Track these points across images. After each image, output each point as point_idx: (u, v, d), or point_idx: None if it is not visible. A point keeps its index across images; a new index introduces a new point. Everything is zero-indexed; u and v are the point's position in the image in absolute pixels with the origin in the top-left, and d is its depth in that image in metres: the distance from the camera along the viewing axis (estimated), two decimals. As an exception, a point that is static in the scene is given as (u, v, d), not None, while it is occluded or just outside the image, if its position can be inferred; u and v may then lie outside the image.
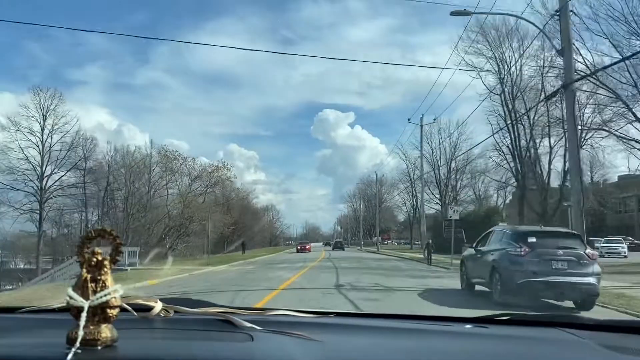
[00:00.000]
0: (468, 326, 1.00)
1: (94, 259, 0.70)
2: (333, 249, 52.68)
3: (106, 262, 0.70)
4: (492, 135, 26.12)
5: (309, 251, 41.55)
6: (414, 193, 48.40)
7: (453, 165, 42.31)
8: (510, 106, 26.60)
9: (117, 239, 0.71)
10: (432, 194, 43.36)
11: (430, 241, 21.66)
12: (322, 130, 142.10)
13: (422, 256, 23.95)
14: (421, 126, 28.67)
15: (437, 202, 43.85)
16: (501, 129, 25.97)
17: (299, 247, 44.39)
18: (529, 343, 0.87)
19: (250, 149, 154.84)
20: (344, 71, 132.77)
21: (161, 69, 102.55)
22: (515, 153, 27.01)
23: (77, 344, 0.66)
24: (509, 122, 25.94)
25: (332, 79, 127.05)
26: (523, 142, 26.58)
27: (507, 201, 44.74)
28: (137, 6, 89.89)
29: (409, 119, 29.12)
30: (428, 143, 41.51)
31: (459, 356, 0.77)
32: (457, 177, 43.62)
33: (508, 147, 27.50)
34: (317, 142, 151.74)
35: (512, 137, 26.85)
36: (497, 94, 26.46)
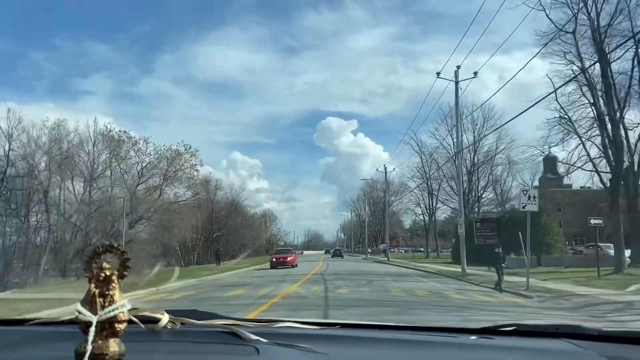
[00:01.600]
0: (473, 337, 1.04)
1: (102, 274, 0.74)
2: (332, 257, 58.61)
3: (114, 277, 0.75)
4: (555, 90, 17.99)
5: (293, 265, 27.63)
6: (430, 191, 45.14)
7: (476, 159, 39.48)
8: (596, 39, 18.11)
9: (125, 254, 0.75)
10: (453, 191, 40.22)
11: (502, 251, 13.32)
12: (325, 138, 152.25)
13: (453, 268, 20.39)
14: (456, 83, 20.46)
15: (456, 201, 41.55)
16: (584, 71, 18.20)
17: (274, 260, 28.56)
18: (533, 354, 0.91)
19: (254, 157, 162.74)
20: (347, 79, 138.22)
21: (165, 78, 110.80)
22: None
23: (86, 359, 0.70)
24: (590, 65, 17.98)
25: (335, 87, 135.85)
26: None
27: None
28: (141, 16, 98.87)
29: (438, 73, 21.54)
30: (448, 130, 38.27)
31: None
32: (489, 167, 39.29)
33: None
34: (320, 150, 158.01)
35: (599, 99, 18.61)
36: (569, 32, 18.58)
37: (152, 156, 31.64)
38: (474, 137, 38.19)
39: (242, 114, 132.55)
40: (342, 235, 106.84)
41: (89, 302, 0.74)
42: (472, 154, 39.97)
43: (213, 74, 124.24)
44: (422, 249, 63.69)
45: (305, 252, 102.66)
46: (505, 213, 29.68)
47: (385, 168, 42.58)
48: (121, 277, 0.75)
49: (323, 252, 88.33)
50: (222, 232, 56.16)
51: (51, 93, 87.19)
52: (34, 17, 75.32)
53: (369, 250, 65.55)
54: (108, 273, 0.75)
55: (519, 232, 13.84)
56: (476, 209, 39.09)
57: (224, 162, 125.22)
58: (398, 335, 1.08)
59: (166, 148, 32.25)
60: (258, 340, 0.89)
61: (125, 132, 30.50)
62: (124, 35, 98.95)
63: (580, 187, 39.62)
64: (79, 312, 0.73)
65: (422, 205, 48.14)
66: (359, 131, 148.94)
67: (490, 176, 40.84)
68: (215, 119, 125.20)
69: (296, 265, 28.00)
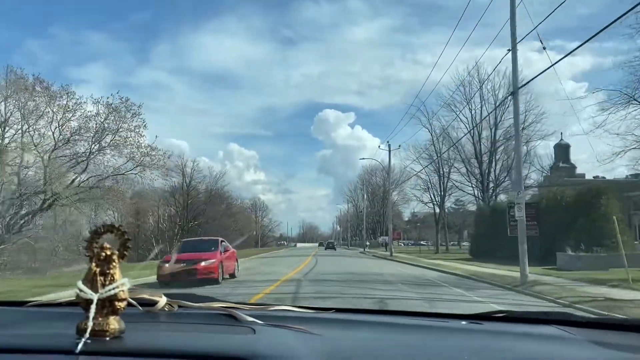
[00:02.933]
0: (463, 322, 1.17)
1: (103, 254, 0.85)
2: (326, 249, 63.95)
3: (114, 257, 0.85)
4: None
5: (205, 275, 13.25)
6: (442, 173, 41.52)
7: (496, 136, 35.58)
8: None
9: (125, 234, 0.86)
10: (469, 174, 37.89)
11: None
12: (322, 130, 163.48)
13: (495, 270, 16.29)
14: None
15: (473, 185, 38.26)
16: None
17: (164, 269, 13.34)
18: (522, 338, 1.04)
19: (251, 148, 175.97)
20: (345, 71, 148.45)
21: (162, 68, 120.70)
22: None
23: (87, 335, 0.81)
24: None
25: (333, 79, 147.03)
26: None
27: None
28: (138, 5, 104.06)
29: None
30: (464, 100, 35.83)
31: (454, 350, 0.93)
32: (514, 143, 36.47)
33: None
34: (317, 142, 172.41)
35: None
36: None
37: (77, 114, 24.49)
38: (495, 107, 34.65)
39: (239, 106, 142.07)
40: (338, 228, 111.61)
41: (90, 281, 0.85)
42: (492, 129, 36.35)
43: (210, 64, 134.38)
44: (423, 242, 63.67)
45: (299, 245, 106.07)
46: (542, 197, 24.38)
47: (389, 145, 38.07)
48: (121, 256, 0.86)
49: (317, 245, 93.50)
50: (200, 221, 56.03)
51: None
52: (29, 5, 79.05)
53: (367, 243, 64.32)
54: (109, 252, 0.85)
55: (614, 217, 11.83)
56: (494, 196, 36.28)
57: (220, 154, 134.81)
58: (391, 319, 1.21)
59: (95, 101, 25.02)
60: (254, 321, 1.01)
61: (42, 80, 23.77)
62: (120, 24, 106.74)
63: (594, 176, 38.10)
64: (80, 290, 0.84)
65: (431, 191, 44.23)
66: (356, 123, 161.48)
67: (512, 157, 36.36)
68: (212, 110, 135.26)
69: (234, 276, 15.32)
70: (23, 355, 0.83)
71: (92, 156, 25.37)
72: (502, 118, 35.64)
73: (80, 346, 0.79)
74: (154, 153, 26.43)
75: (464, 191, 40.76)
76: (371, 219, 75.16)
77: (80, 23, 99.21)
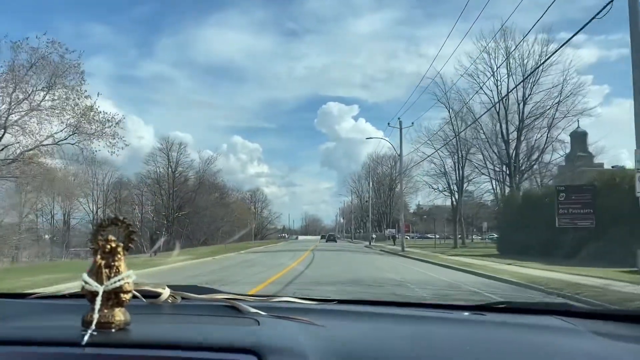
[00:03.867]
0: (466, 313, 1.25)
1: (108, 246, 0.92)
2: (327, 241, 68.59)
3: (119, 249, 0.92)
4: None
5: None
6: (460, 155, 38.88)
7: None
8: None
9: (130, 227, 0.93)
10: (490, 158, 35.75)
11: None
12: (325, 123, 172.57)
13: (554, 275, 12.25)
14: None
15: (497, 169, 35.84)
16: None
17: None
18: (524, 329, 1.13)
19: (254, 141, 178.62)
20: (348, 64, 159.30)
21: (165, 61, 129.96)
22: None
23: (93, 327, 0.88)
24: None
25: (336, 72, 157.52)
26: None
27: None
28: None
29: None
30: (489, 69, 32.99)
31: (456, 341, 1.01)
32: (548, 120, 31.95)
33: None
34: (320, 135, 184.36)
35: None
36: None
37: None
38: (524, 78, 31.80)
39: (243, 98, 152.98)
40: (342, 220, 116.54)
41: (95, 273, 0.92)
42: (520, 105, 33.55)
43: (213, 57, 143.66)
44: (431, 235, 63.32)
45: (300, 237, 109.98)
46: (594, 180, 20.84)
47: (400, 123, 34.84)
48: (126, 249, 0.93)
49: (319, 237, 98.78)
50: (187, 211, 55.14)
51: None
52: None
53: (374, 236, 62.34)
54: (114, 245, 0.92)
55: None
56: (520, 183, 33.67)
57: (224, 146, 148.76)
58: (395, 310, 1.30)
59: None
60: (258, 313, 1.08)
61: None
62: (123, 17, 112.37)
63: (612, 166, 35.22)
64: (86, 282, 0.91)
65: (447, 176, 40.89)
66: (360, 116, 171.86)
67: (547, 135, 33.42)
68: (215, 103, 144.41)
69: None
70: (29, 347, 0.91)
71: (10, 119, 20.20)
72: (532, 91, 32.90)
73: (86, 338, 0.86)
74: (96, 117, 21.67)
75: (486, 175, 37.45)
76: (376, 211, 75.33)
77: (83, 16, 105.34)
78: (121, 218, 0.93)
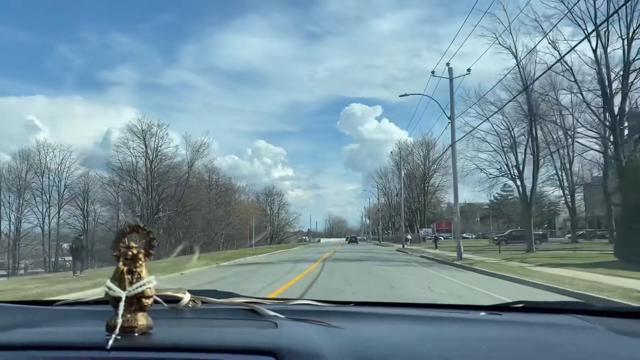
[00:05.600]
0: (482, 313, 1.41)
1: (130, 253, 1.09)
2: (348, 243, 76.55)
3: (141, 255, 1.09)
4: None
5: None
6: (532, 123, 31.91)
7: None
8: None
9: (150, 233, 1.10)
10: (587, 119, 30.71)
11: None
12: (349, 125, 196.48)
13: None
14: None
15: (603, 136, 30.80)
16: None
17: None
18: (540, 328, 1.27)
19: (278, 145, 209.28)
20: (370, 64, 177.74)
21: (189, 68, 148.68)
22: None
23: (117, 331, 1.06)
24: None
25: (358, 73, 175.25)
26: None
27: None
28: (163, 6, 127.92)
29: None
30: None
31: (474, 341, 1.16)
32: None
33: None
34: (344, 136, 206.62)
35: None
36: None
37: None
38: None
39: (266, 103, 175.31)
40: (367, 221, 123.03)
41: (117, 279, 1.09)
42: (625, 39, 27.24)
43: (236, 62, 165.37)
44: (467, 235, 61.84)
45: (323, 240, 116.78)
46: None
47: (451, 70, 27.37)
48: (147, 255, 1.10)
49: (344, 239, 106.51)
50: (169, 211, 52.53)
51: (79, 85, 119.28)
52: (58, 10, 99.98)
53: (408, 237, 57.19)
54: (135, 251, 1.09)
55: None
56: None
57: (248, 151, 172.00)
58: (411, 311, 1.47)
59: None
60: (276, 316, 1.25)
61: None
62: (147, 25, 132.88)
63: None
64: (109, 288, 1.09)
65: (514, 151, 33.78)
66: (383, 117, 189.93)
67: None
68: (238, 108, 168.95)
69: None
70: (56, 351, 1.09)
71: None
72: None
73: (111, 342, 1.04)
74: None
75: (590, 149, 32.63)
76: (407, 208, 74.42)
77: (107, 26, 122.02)
78: (142, 225, 1.11)
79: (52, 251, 58.03)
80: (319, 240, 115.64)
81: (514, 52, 30.34)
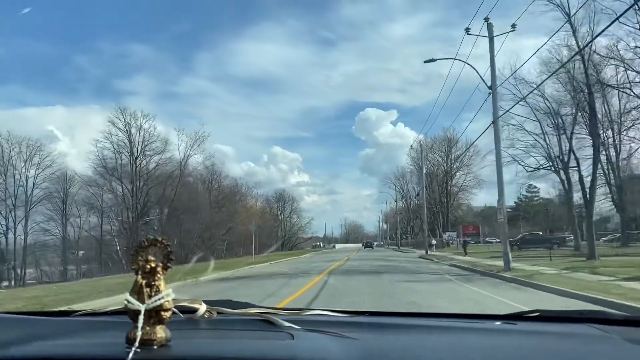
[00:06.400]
0: (497, 323, 1.49)
1: (148, 266, 1.19)
2: (364, 248, 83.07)
3: (159, 269, 1.19)
4: None
5: None
6: (588, 94, 27.63)
7: None
8: None
9: (168, 247, 1.19)
10: None
11: None
12: (364, 130, 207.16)
13: None
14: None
15: None
16: None
17: None
18: (556, 338, 1.35)
19: (293, 151, 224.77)
20: (384, 69, 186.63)
21: (204, 76, 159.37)
22: None
23: (137, 344, 1.15)
24: None
25: (372, 78, 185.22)
26: None
27: None
28: (178, 15, 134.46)
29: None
30: None
31: (489, 351, 1.24)
32: None
33: None
34: (359, 141, 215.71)
35: None
36: None
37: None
38: None
39: (281, 109, 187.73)
40: (384, 226, 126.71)
41: (136, 292, 1.18)
42: None
43: (250, 70, 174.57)
44: (490, 239, 59.09)
45: (338, 246, 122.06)
46: None
47: (490, 26, 23.13)
48: (165, 268, 1.20)
49: (360, 245, 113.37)
50: (157, 215, 49.58)
51: (96, 95, 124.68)
52: (74, 21, 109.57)
53: (433, 242, 52.59)
54: (153, 265, 1.19)
55: None
56: None
57: (264, 157, 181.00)
58: (426, 321, 1.55)
59: None
60: (291, 326, 1.34)
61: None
62: (162, 35, 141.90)
63: None
64: (128, 302, 1.18)
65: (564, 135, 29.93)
66: (399, 121, 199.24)
67: None
68: (254, 115, 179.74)
69: None
70: None
71: None
72: None
73: (131, 355, 1.13)
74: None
75: None
76: (427, 211, 73.12)
77: (123, 36, 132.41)
78: (160, 239, 1.20)
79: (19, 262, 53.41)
80: (333, 246, 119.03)
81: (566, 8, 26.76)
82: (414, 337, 1.37)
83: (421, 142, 59.80)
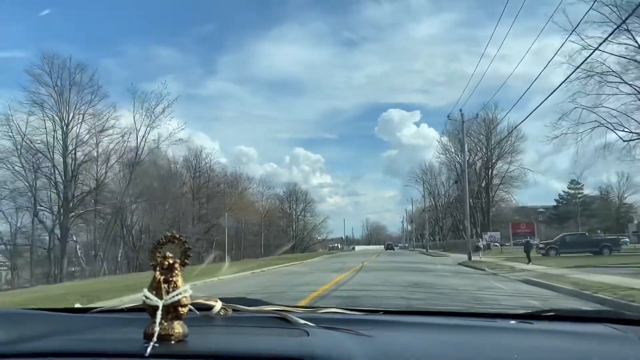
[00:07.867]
0: (513, 322, 1.64)
1: (166, 263, 1.36)
2: (386, 249, 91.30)
3: (177, 265, 1.36)
4: None
5: None
6: None
7: None
8: None
9: (185, 244, 1.37)
10: None
11: None
12: (387, 131, 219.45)
13: None
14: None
15: None
16: None
17: None
18: (572, 337, 1.50)
19: (316, 152, 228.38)
20: (407, 69, 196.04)
21: (228, 79, 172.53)
22: None
23: (155, 339, 1.32)
24: None
25: (395, 78, 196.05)
26: None
27: None
28: (202, 18, 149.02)
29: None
30: None
31: (504, 350, 1.39)
32: None
33: None
34: (382, 143, 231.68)
35: None
36: None
37: None
38: None
39: (303, 110, 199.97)
40: (409, 227, 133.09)
41: (154, 288, 1.36)
42: None
43: (273, 72, 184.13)
44: (535, 242, 55.25)
45: (359, 248, 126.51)
46: None
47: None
48: (183, 265, 1.37)
49: (382, 247, 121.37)
50: (112, 203, 44.66)
51: (122, 97, 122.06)
52: (101, 26, 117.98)
53: (480, 245, 46.00)
54: (171, 261, 1.36)
55: None
56: None
57: (287, 159, 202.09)
58: (440, 320, 1.72)
59: None
60: (306, 324, 1.51)
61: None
62: (186, 38, 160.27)
63: None
64: (147, 297, 1.36)
65: None
66: (422, 122, 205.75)
67: None
68: (276, 117, 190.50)
69: None
70: (95, 359, 1.36)
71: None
72: None
73: (149, 350, 1.29)
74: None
75: None
76: (460, 206, 69.01)
77: (148, 40, 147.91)
78: (177, 235, 1.37)
79: None
80: (353, 248, 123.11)
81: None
82: (429, 335, 1.52)
83: (462, 112, 49.88)
